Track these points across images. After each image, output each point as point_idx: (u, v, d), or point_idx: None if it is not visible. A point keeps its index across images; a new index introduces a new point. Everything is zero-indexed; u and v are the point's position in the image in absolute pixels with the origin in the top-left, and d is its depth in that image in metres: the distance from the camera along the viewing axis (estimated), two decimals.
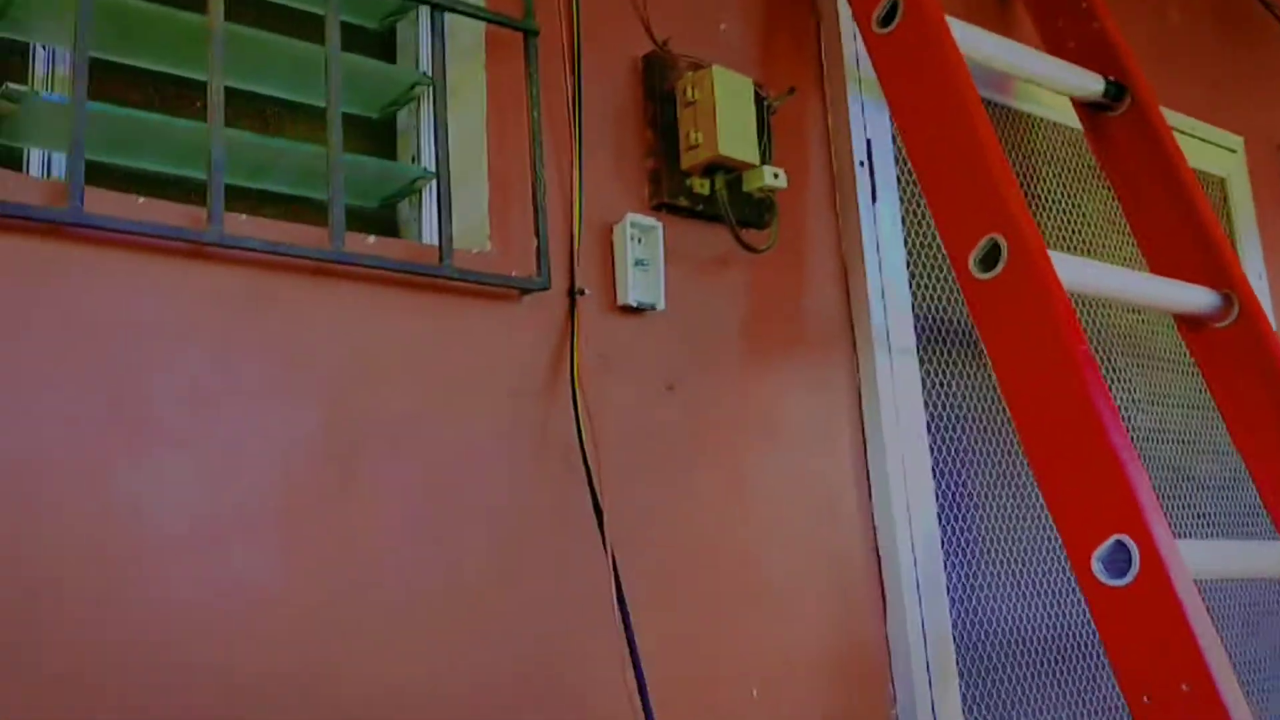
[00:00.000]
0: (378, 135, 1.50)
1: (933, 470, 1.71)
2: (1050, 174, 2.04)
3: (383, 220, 1.46)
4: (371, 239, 1.27)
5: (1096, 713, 1.80)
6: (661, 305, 1.45)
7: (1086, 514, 1.31)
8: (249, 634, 1.11)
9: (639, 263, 1.45)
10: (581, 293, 1.40)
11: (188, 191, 1.28)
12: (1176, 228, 1.72)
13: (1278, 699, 2.07)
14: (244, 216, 1.18)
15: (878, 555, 1.63)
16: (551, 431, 1.35)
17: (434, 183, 1.40)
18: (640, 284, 1.44)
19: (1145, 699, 1.24)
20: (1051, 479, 1.35)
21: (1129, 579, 1.26)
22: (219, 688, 1.08)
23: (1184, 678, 1.21)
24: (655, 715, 1.30)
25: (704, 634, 1.43)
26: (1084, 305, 2.01)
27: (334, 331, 1.22)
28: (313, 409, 1.19)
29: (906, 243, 1.77)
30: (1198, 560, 1.29)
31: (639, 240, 1.46)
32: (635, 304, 1.43)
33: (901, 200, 1.78)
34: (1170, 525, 1.30)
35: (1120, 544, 1.27)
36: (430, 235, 1.41)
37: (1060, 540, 1.34)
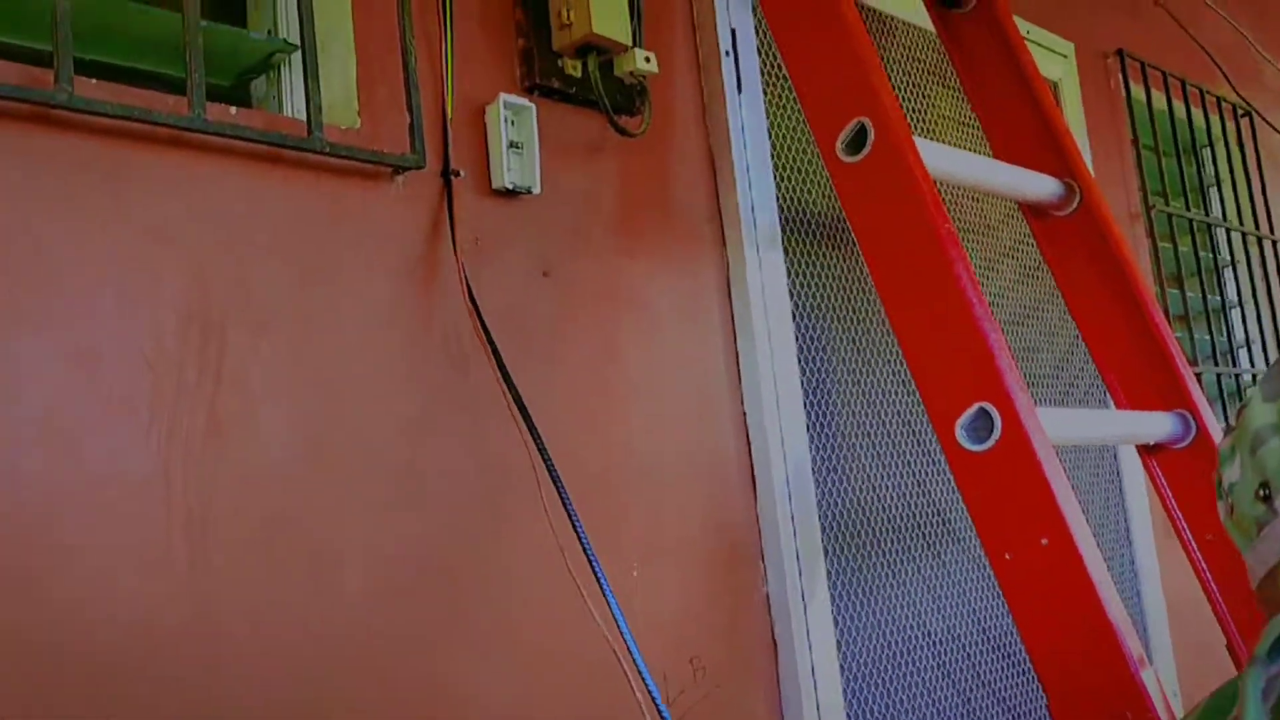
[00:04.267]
0: (224, 6, 1.40)
1: (798, 357, 1.75)
2: (901, 73, 2.09)
3: (236, 99, 1.38)
4: (234, 109, 1.19)
5: (957, 578, 1.91)
6: (537, 189, 1.42)
7: (951, 384, 1.37)
8: (112, 526, 1.05)
9: (513, 145, 1.41)
10: (457, 174, 1.36)
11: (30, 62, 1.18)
12: (1023, 121, 1.79)
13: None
14: (95, 81, 1.09)
15: (748, 439, 1.66)
16: (435, 314, 1.32)
17: (292, 57, 1.33)
18: (515, 166, 1.41)
19: (1007, 556, 1.32)
20: (917, 352, 1.40)
21: (990, 444, 1.32)
22: (83, 570, 1.03)
23: (1043, 533, 1.29)
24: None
25: (586, 513, 1.43)
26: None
27: (196, 206, 1.15)
28: (176, 286, 1.12)
29: (771, 133, 1.79)
30: (1054, 427, 1.37)
31: (512, 122, 1.42)
32: (511, 186, 1.40)
33: (765, 91, 1.79)
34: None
35: (983, 410, 1.33)
36: (291, 112, 1.34)
37: (925, 412, 1.39)
